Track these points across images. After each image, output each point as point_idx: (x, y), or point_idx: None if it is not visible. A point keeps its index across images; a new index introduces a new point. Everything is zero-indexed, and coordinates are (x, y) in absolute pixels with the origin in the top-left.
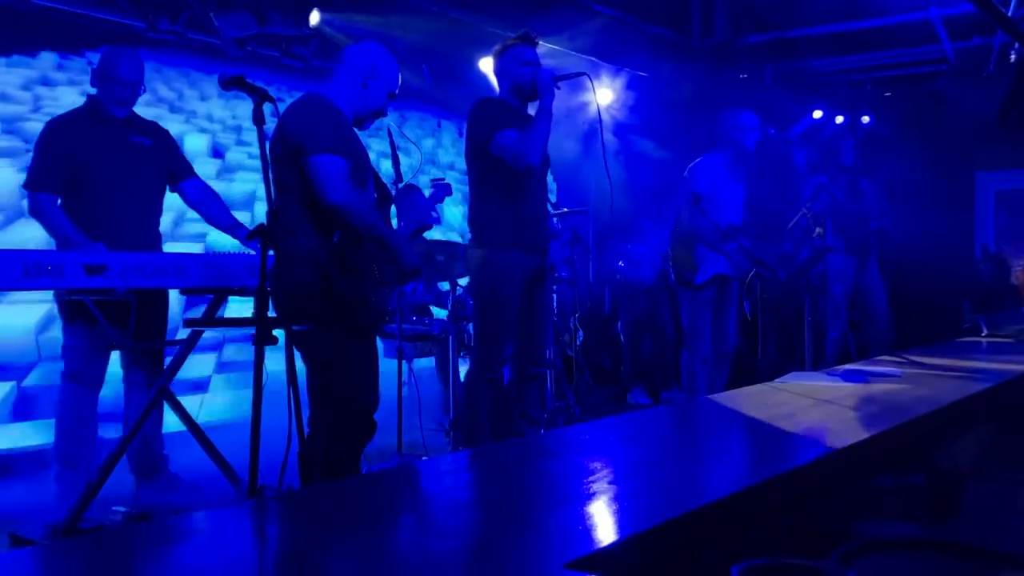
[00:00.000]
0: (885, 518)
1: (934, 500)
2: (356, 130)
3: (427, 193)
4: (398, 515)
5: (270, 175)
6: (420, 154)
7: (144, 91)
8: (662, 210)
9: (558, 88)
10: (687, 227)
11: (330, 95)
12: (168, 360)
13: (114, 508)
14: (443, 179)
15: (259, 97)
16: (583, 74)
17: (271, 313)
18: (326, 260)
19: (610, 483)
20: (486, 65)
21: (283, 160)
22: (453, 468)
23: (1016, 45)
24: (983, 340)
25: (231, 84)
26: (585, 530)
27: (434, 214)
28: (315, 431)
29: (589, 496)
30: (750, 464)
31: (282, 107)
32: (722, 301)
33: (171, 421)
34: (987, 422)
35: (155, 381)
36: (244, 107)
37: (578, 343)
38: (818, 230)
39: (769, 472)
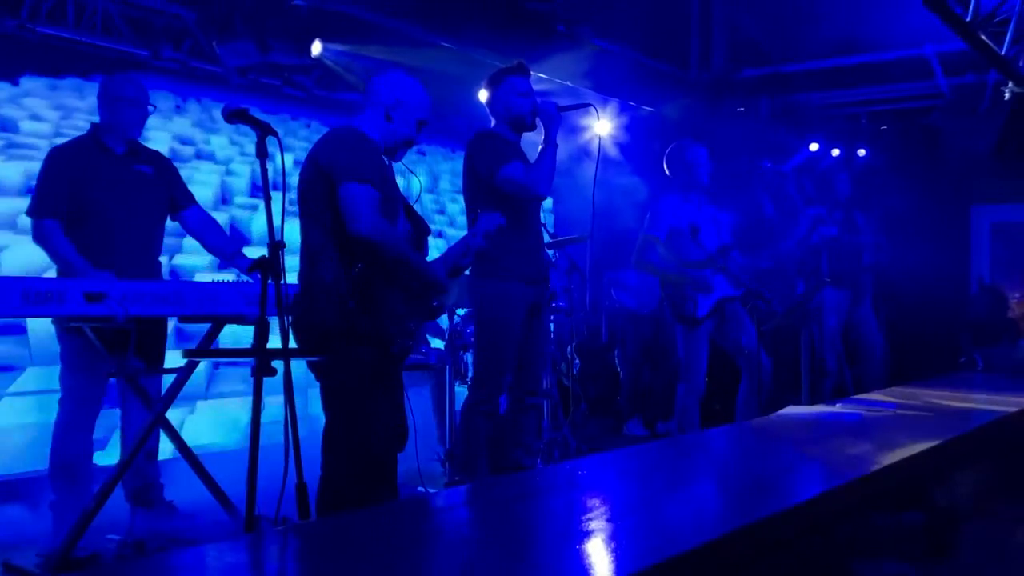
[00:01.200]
0: (882, 557)
1: (931, 538)
2: (390, 161)
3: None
4: (396, 551)
5: (296, 204)
6: (420, 185)
7: (153, 110)
8: None
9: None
10: (673, 262)
11: (361, 126)
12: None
13: (108, 536)
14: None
15: (263, 131)
16: (588, 105)
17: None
18: (345, 292)
19: (608, 521)
20: (486, 96)
21: (312, 187)
22: (451, 504)
23: (1010, 83)
24: (980, 375)
25: (234, 117)
26: (582, 569)
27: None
28: (329, 466)
29: (586, 534)
30: (747, 502)
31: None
32: (731, 327)
33: (166, 448)
34: (984, 459)
35: (152, 408)
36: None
37: (575, 373)
38: (813, 257)
39: (766, 510)
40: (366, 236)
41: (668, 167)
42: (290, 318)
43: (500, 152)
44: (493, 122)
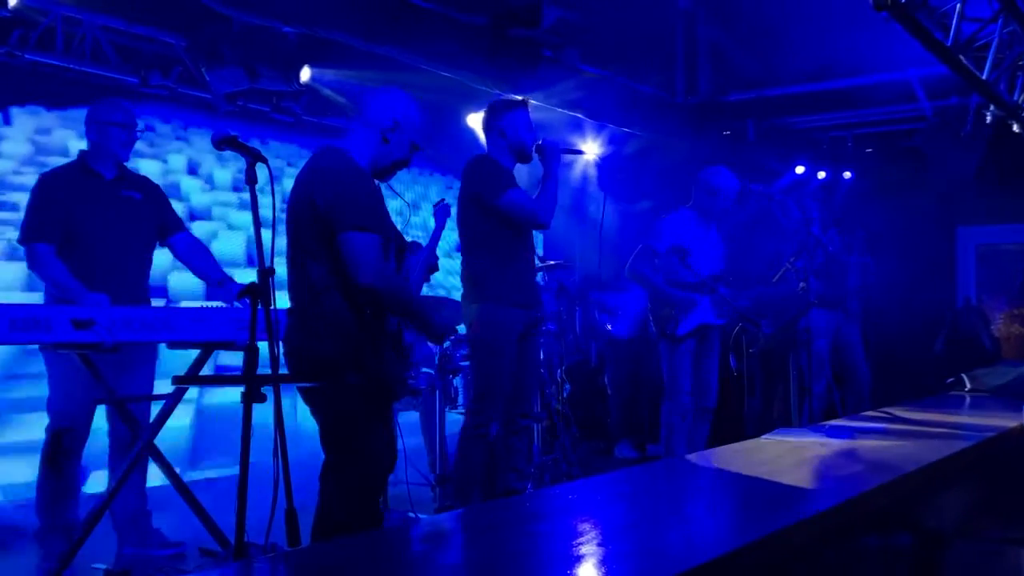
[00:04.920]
0: None
1: (920, 560)
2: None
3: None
4: None
5: (287, 233)
6: (409, 209)
7: (140, 134)
8: None
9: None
10: (661, 280)
11: (350, 150)
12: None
13: (95, 565)
14: (442, 200)
15: (252, 157)
16: (581, 152)
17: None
18: (357, 333)
19: (598, 545)
20: (474, 121)
21: (309, 225)
22: (442, 529)
23: (991, 106)
24: (967, 395)
25: (224, 144)
26: None
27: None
28: (329, 494)
29: (577, 559)
30: (736, 525)
31: (273, 163)
32: (702, 352)
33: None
34: (972, 479)
35: (140, 435)
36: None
37: (565, 396)
38: (802, 284)
39: (755, 534)
40: (371, 286)
41: (694, 186)
42: (284, 347)
43: (504, 177)
44: (490, 147)
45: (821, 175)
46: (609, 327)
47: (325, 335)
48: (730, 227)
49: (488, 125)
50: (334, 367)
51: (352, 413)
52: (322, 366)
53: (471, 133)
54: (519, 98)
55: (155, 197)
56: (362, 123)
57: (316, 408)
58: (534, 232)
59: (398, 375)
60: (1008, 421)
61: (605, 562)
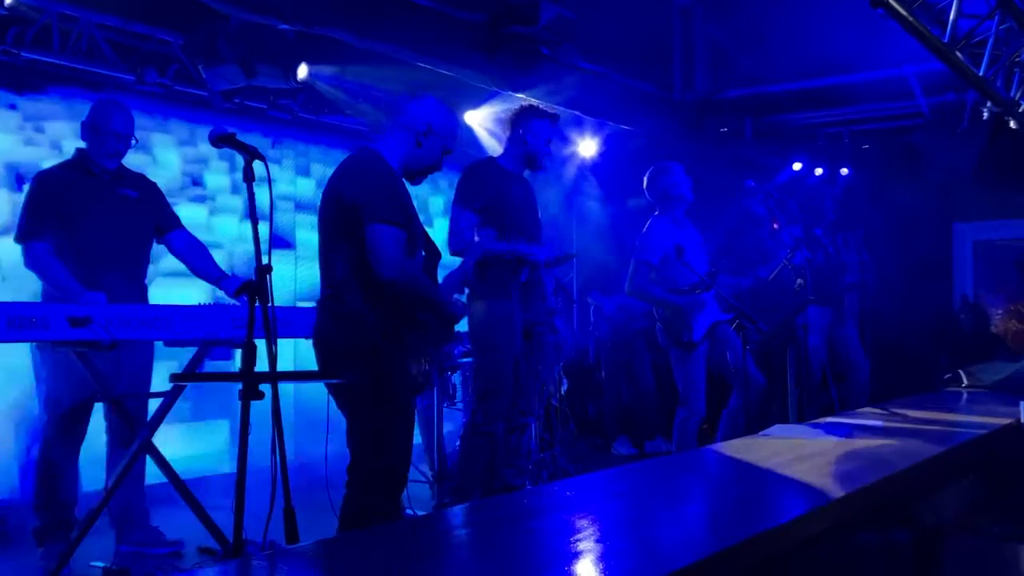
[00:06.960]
0: None
1: (918, 556)
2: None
3: None
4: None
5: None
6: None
7: (136, 143)
8: None
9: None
10: (662, 292)
11: (382, 151)
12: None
13: (93, 563)
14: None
15: (249, 155)
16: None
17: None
18: (373, 324)
19: (596, 541)
20: (472, 118)
21: (333, 220)
22: (440, 526)
23: (988, 102)
24: (964, 391)
25: (222, 141)
26: None
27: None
28: (352, 487)
29: (575, 555)
30: (735, 521)
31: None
32: (722, 351)
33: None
34: (970, 475)
35: (138, 433)
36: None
37: (563, 393)
38: (799, 281)
39: (753, 529)
40: (392, 280)
41: (648, 194)
42: (313, 340)
43: (470, 196)
44: (504, 149)
45: (818, 172)
46: (599, 331)
47: (346, 330)
48: (726, 224)
49: (512, 126)
50: (352, 362)
51: (370, 408)
52: (342, 360)
53: (468, 131)
54: (552, 111)
55: (152, 195)
56: (397, 126)
57: (339, 403)
58: (533, 232)
59: (415, 371)
60: (1005, 417)
61: (602, 558)
